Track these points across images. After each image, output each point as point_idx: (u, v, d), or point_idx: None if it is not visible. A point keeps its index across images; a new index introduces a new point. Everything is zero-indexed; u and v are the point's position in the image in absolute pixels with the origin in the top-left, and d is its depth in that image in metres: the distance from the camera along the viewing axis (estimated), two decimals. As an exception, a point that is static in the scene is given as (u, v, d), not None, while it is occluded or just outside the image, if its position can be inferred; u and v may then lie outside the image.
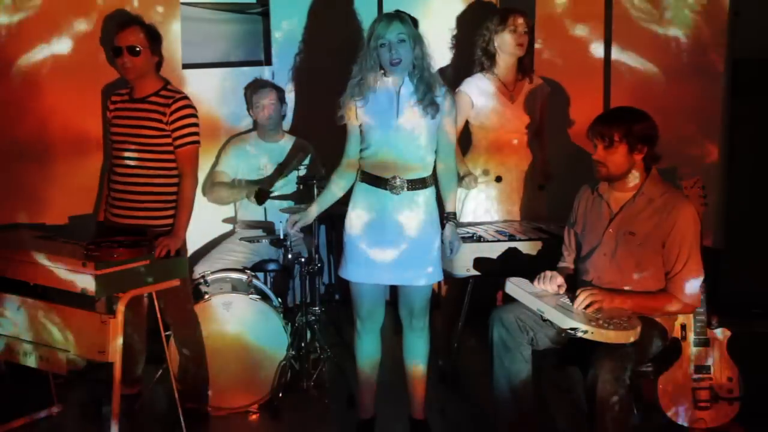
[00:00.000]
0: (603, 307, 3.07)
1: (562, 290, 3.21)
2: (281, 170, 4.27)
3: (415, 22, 3.26)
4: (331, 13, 4.78)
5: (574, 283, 3.30)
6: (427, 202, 3.32)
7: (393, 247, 3.29)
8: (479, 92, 3.99)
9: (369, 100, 3.26)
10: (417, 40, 3.22)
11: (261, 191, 4.02)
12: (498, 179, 3.99)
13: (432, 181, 3.35)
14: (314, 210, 3.46)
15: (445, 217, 3.39)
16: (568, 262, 3.43)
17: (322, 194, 3.49)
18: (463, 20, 4.64)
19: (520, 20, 3.94)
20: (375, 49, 3.20)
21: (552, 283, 3.21)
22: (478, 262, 3.62)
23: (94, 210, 4.15)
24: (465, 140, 4.08)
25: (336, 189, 3.41)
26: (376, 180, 3.29)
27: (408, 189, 3.27)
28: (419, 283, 3.34)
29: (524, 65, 4.04)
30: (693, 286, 3.17)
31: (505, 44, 3.95)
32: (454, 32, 4.63)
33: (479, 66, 4.03)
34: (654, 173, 3.23)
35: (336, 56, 4.32)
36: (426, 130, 3.26)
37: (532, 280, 3.24)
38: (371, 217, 3.31)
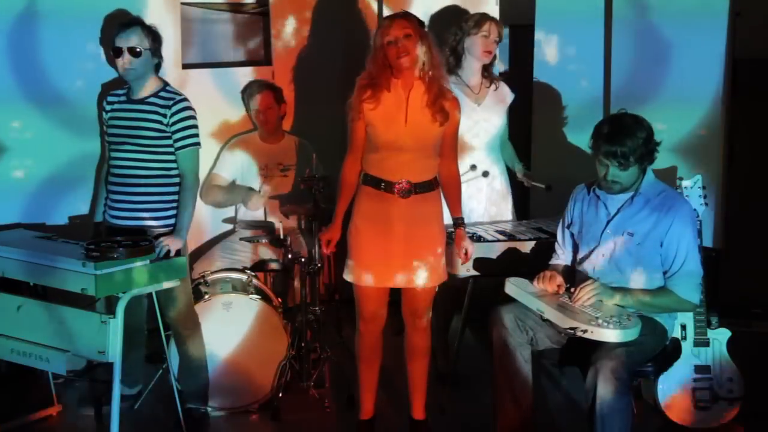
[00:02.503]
0: (603, 300, 3.08)
1: (562, 290, 3.21)
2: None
3: (421, 23, 3.26)
4: (332, 13, 4.78)
5: (571, 281, 3.30)
6: (434, 205, 3.32)
7: (399, 250, 3.28)
8: None
9: (378, 102, 3.24)
10: (423, 38, 3.22)
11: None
12: (485, 174, 3.96)
13: (437, 183, 3.35)
14: (340, 215, 3.39)
15: (454, 223, 3.39)
16: (562, 259, 3.44)
17: (340, 195, 3.37)
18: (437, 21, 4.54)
19: (494, 29, 3.94)
20: (382, 47, 3.20)
21: (552, 283, 3.21)
22: (478, 262, 3.61)
23: (90, 210, 4.14)
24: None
25: (351, 182, 3.34)
26: (382, 183, 3.27)
27: (416, 192, 3.27)
28: (425, 284, 3.34)
29: (488, 71, 4.06)
30: (692, 284, 3.17)
31: (474, 47, 3.95)
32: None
33: (446, 65, 3.94)
34: (650, 173, 3.23)
35: (336, 56, 4.34)
36: (434, 134, 3.26)
37: (532, 280, 3.25)
38: (377, 221, 3.29)
